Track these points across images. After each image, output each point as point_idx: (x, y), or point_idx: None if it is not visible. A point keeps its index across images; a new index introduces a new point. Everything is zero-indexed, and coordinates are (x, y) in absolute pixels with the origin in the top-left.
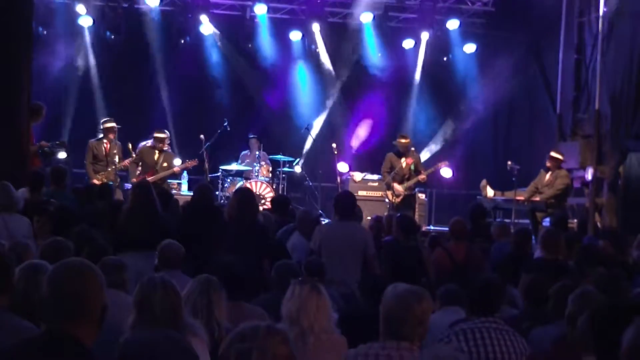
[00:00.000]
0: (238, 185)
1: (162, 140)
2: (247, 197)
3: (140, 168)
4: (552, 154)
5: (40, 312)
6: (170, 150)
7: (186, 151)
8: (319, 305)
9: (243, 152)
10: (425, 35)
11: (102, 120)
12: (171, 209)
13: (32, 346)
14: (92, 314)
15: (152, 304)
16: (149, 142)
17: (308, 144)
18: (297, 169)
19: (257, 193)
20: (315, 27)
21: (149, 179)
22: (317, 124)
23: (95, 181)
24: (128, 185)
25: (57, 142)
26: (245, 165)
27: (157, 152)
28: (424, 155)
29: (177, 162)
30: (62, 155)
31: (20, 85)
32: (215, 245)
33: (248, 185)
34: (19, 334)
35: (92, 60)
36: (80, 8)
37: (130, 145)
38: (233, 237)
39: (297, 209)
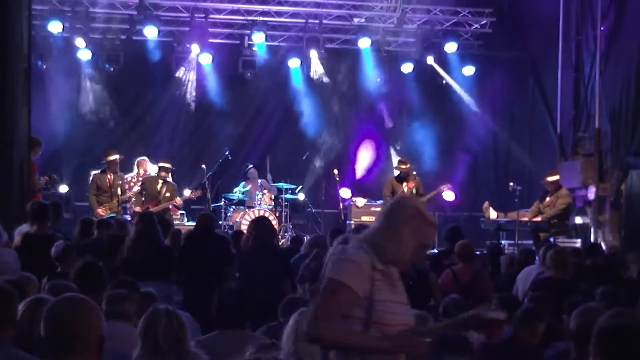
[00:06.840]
0: (240, 214)
1: (167, 170)
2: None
3: (143, 198)
4: (548, 178)
5: (40, 349)
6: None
7: (187, 181)
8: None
9: (242, 183)
10: (430, 59)
11: (105, 152)
12: (171, 238)
13: None
14: (90, 345)
15: (156, 333)
16: (135, 176)
17: (309, 171)
18: (300, 196)
19: None
20: (314, 53)
21: (152, 209)
22: (318, 151)
23: (100, 212)
24: (127, 216)
25: (54, 176)
26: (246, 195)
27: (160, 182)
28: (426, 179)
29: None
30: (63, 188)
31: (19, 117)
32: (220, 273)
33: (251, 213)
34: None
35: (91, 92)
36: (79, 41)
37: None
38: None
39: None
